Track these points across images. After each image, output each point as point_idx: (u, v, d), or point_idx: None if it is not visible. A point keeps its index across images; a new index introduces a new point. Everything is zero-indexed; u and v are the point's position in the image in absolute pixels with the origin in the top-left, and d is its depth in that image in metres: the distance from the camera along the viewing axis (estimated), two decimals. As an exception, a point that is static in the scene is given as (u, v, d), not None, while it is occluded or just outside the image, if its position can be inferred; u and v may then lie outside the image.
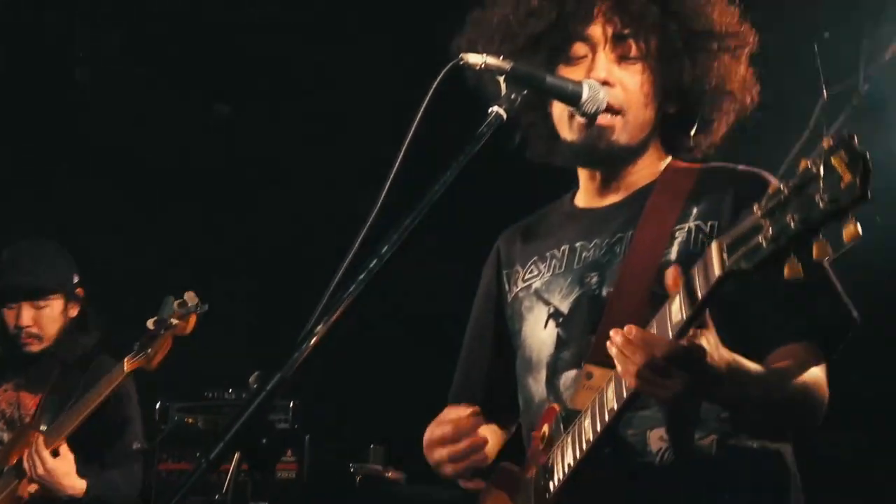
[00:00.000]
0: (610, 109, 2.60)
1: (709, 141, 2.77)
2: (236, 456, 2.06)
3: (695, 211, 2.59)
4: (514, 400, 2.82)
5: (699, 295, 2.07)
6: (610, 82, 2.61)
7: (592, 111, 2.57)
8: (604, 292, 2.61)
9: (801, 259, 1.87)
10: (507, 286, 2.88)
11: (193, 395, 6.40)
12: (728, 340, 2.28)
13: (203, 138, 7.20)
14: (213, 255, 7.35)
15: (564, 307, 2.68)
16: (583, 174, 2.81)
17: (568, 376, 2.62)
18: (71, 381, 5.03)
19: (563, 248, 2.76)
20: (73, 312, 5.14)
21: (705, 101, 2.69)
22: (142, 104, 6.92)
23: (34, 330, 5.00)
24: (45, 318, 5.03)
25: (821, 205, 1.79)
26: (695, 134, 2.75)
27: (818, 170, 1.80)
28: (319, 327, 2.11)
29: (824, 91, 1.93)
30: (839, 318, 2.54)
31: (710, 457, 2.50)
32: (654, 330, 2.19)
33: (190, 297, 4.59)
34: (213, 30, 6.39)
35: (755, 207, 1.92)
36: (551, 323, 2.70)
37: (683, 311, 2.11)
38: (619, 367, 2.20)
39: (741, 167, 2.65)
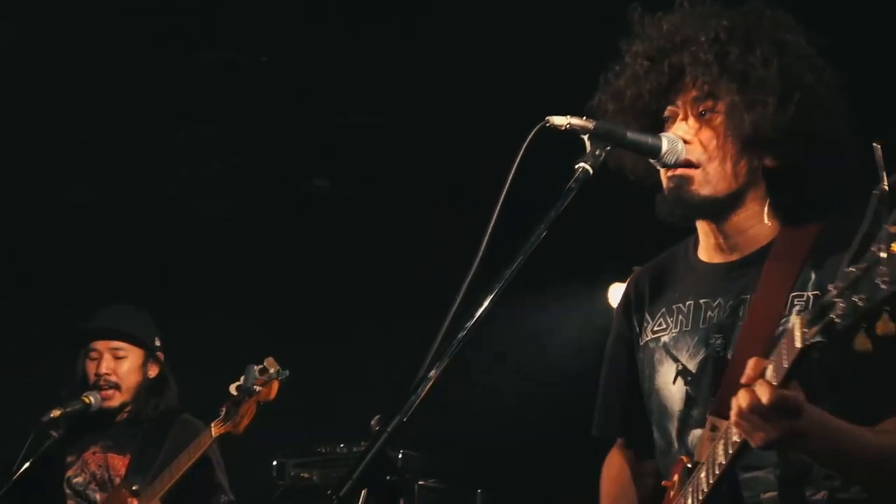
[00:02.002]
0: (689, 164, 2.67)
1: (809, 196, 2.75)
2: (363, 493, 2.14)
3: (812, 277, 2.61)
4: (650, 433, 2.88)
5: (784, 365, 2.19)
6: (688, 140, 2.67)
7: (672, 161, 2.65)
8: (728, 354, 2.66)
9: (869, 334, 1.99)
10: (637, 330, 2.94)
11: (307, 451, 6.55)
12: (840, 412, 2.42)
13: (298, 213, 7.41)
14: (314, 319, 7.51)
15: (692, 366, 2.73)
16: (700, 229, 2.84)
17: (696, 434, 2.68)
18: (156, 441, 5.08)
19: (688, 303, 2.80)
20: (153, 373, 5.21)
21: (782, 148, 2.69)
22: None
23: (112, 378, 5.07)
24: (124, 368, 5.10)
25: (882, 287, 1.92)
26: (798, 190, 2.74)
27: (882, 255, 1.94)
28: (432, 372, 2.21)
29: (884, 181, 2.02)
30: None
31: None
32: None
33: (270, 364, 4.65)
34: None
35: (830, 287, 2.05)
36: (680, 380, 2.75)
37: (776, 379, 2.23)
38: (731, 416, 2.31)
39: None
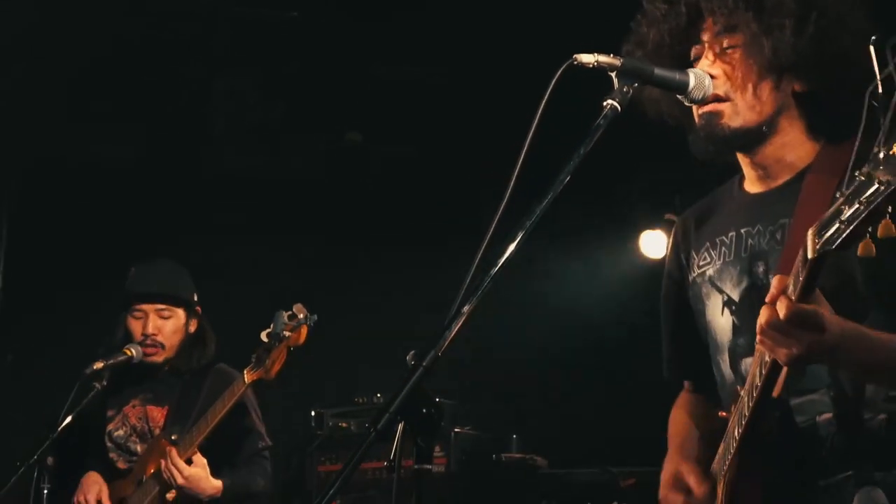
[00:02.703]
0: (717, 98, 2.66)
1: (844, 114, 2.65)
2: (401, 425, 2.17)
3: None
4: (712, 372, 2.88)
5: (801, 277, 2.19)
6: (713, 75, 2.66)
7: (700, 97, 2.64)
8: (770, 280, 2.58)
9: (874, 239, 1.96)
10: (686, 269, 2.94)
11: (345, 401, 6.62)
12: (888, 326, 2.42)
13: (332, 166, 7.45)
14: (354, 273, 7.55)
15: (736, 295, 2.73)
16: (741, 161, 2.82)
17: (747, 362, 2.66)
18: (194, 392, 5.14)
19: (730, 234, 2.79)
20: (192, 328, 5.26)
21: (807, 71, 2.66)
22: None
23: (158, 338, 5.11)
24: (168, 328, 5.15)
25: (881, 188, 1.89)
26: (832, 111, 2.70)
27: (881, 156, 1.91)
28: (465, 308, 2.21)
29: (878, 80, 2.01)
30: None
31: (881, 436, 2.49)
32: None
33: (299, 310, 4.64)
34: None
35: (837, 194, 2.02)
36: (727, 311, 2.75)
37: (794, 293, 2.22)
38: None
39: None
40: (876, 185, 1.90)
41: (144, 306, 5.18)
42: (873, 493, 2.46)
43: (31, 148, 6.93)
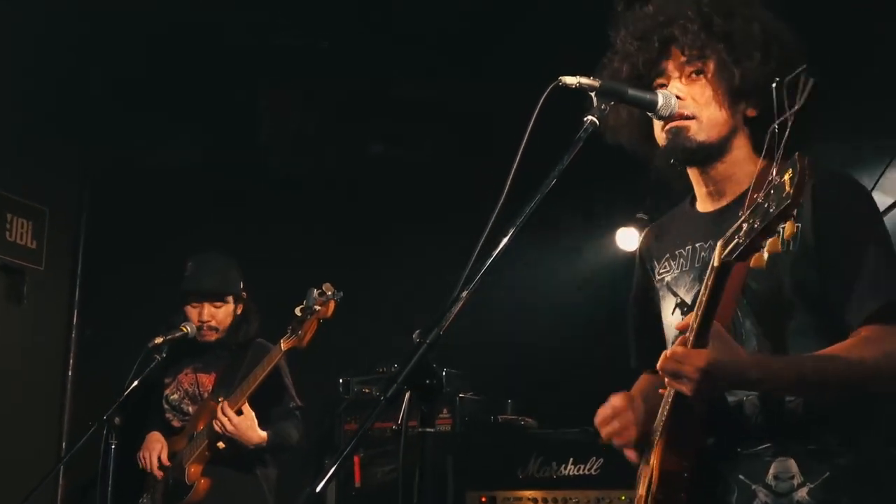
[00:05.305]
0: (684, 116, 2.61)
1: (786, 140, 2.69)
2: (408, 393, 2.15)
3: None
4: None
5: (708, 284, 2.21)
6: (681, 97, 2.61)
7: (667, 114, 2.59)
8: None
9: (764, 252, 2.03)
10: (651, 276, 2.90)
11: (368, 370, 6.60)
12: (817, 327, 2.40)
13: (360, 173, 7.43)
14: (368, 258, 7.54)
15: (688, 299, 2.69)
16: (694, 178, 2.76)
17: None
18: (237, 362, 5.14)
19: (687, 247, 2.74)
20: (240, 310, 5.26)
21: (764, 97, 2.53)
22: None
23: (213, 324, 5.13)
24: (221, 315, 5.15)
25: (770, 210, 1.94)
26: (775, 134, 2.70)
27: (775, 183, 1.96)
28: (464, 294, 2.19)
29: (776, 121, 2.06)
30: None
31: (797, 415, 2.44)
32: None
33: (327, 288, 4.65)
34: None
35: (740, 213, 2.07)
36: (677, 311, 2.72)
37: (695, 322, 2.27)
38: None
39: (823, 168, 2.47)
40: (767, 208, 1.96)
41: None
42: (787, 462, 2.44)
43: (108, 152, 6.95)
